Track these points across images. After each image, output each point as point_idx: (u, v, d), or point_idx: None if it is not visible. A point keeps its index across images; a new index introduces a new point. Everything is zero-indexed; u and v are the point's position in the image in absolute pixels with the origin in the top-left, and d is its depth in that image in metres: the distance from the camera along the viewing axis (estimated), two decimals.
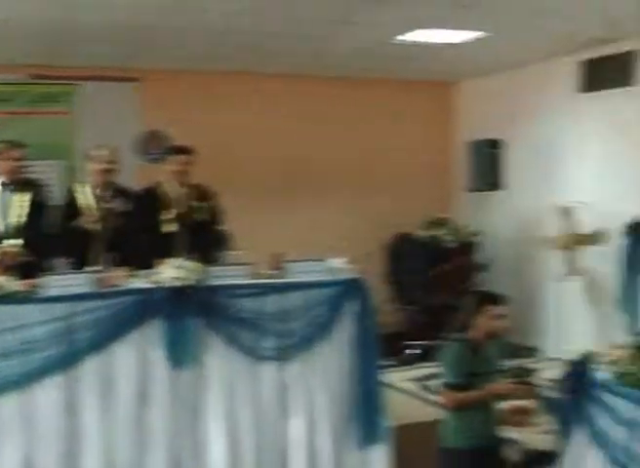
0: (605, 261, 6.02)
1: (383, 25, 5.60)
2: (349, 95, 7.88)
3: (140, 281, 3.68)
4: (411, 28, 5.73)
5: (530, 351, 6.90)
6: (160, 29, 5.57)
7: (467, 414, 3.56)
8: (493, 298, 3.65)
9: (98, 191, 4.89)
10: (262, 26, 5.55)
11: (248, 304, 3.67)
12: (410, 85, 8.15)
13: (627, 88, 6.15)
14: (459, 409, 3.59)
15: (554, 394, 4.42)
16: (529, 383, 3.66)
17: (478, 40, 6.07)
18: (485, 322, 3.61)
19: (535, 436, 4.93)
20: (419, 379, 6.06)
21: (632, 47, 6.05)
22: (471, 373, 3.53)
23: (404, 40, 6.08)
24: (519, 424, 5.09)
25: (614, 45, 6.16)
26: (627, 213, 5.85)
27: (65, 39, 5.83)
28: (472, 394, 3.52)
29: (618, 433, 3.57)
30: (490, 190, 6.65)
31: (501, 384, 3.56)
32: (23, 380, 3.32)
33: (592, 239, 6.01)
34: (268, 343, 3.69)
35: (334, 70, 7.44)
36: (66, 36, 5.72)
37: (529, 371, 3.70)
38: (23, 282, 3.58)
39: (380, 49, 6.37)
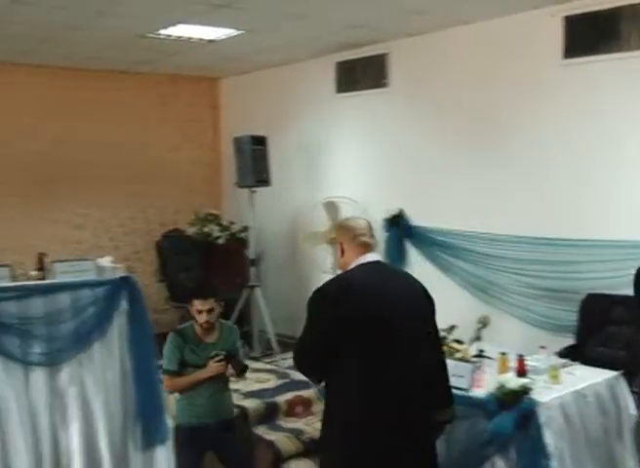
0: None
1: (144, 18, 5.46)
2: (112, 88, 7.61)
3: None
4: (172, 23, 5.63)
5: None
6: None
7: (187, 397, 3.83)
8: (199, 293, 3.84)
9: None
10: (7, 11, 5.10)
11: (10, 308, 3.38)
12: (176, 80, 8.06)
13: (381, 89, 6.54)
14: (175, 391, 3.90)
15: None
16: (233, 360, 3.89)
17: (234, 38, 6.11)
18: (193, 314, 3.86)
19: (315, 425, 5.10)
20: None
21: (384, 50, 6.45)
22: (183, 360, 3.80)
23: (168, 35, 5.99)
24: (300, 415, 5.24)
25: (368, 48, 6.53)
26: (387, 207, 6.24)
27: None
28: (183, 379, 3.81)
29: None
30: (257, 186, 6.76)
31: (207, 368, 3.79)
32: None
33: None
34: (37, 348, 3.43)
35: (95, 62, 7.14)
36: None
37: (235, 350, 3.96)
38: None
39: (140, 42, 6.19)
